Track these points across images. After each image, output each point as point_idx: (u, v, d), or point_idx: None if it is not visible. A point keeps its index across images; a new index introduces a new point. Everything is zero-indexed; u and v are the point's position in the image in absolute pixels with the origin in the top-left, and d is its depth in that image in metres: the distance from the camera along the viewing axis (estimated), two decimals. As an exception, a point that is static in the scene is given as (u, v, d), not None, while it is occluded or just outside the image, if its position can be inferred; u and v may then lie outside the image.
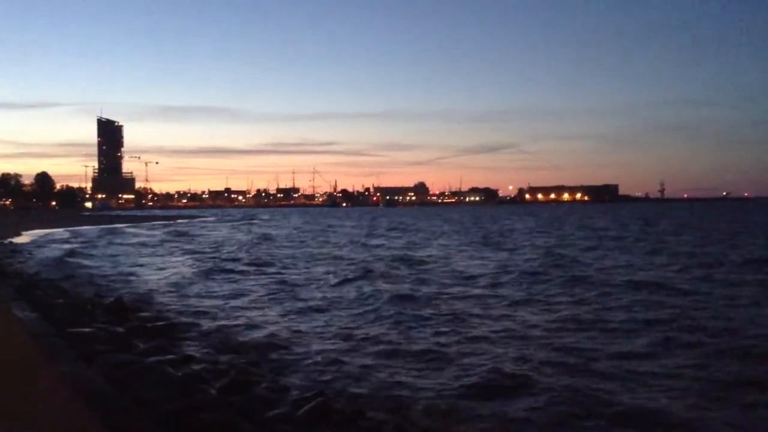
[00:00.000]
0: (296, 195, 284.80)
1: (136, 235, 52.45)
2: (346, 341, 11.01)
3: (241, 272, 22.41)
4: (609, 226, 56.97)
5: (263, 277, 21.05)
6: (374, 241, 40.48)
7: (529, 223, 68.47)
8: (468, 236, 44.82)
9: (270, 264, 25.31)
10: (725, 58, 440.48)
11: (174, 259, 28.83)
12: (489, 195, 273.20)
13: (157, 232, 56.53)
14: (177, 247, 37.06)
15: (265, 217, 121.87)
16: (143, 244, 39.43)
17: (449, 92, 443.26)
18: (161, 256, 30.76)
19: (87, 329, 10.07)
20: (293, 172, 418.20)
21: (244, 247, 36.12)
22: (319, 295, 16.61)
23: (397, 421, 7.08)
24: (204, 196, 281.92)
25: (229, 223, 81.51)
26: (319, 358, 9.68)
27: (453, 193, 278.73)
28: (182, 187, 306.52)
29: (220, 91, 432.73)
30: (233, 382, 7.86)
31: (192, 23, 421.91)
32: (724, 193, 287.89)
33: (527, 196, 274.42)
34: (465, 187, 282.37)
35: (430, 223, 75.86)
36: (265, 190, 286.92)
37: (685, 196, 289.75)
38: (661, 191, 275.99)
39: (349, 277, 20.15)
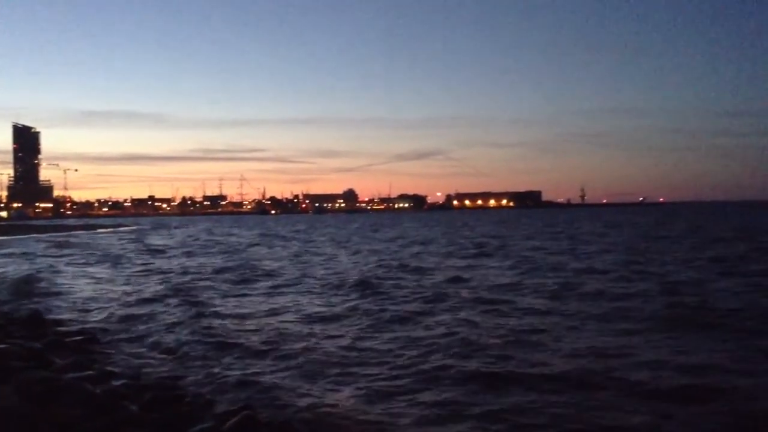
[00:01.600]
0: (224, 203, 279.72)
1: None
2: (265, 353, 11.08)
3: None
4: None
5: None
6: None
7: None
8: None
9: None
10: (643, 69, 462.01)
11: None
12: (418, 201, 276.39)
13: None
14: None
15: (175, 224, 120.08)
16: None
17: (379, 99, 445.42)
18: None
19: (1, 345, 9.73)
20: (220, 179, 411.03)
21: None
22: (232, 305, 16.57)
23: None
24: (126, 204, 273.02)
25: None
26: (238, 372, 9.68)
27: (382, 200, 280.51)
28: (104, 195, 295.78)
29: (143, 96, 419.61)
30: (155, 398, 7.74)
31: (113, 25, 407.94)
32: (641, 198, 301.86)
33: (455, 202, 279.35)
34: (394, 194, 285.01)
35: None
36: (191, 198, 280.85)
37: (605, 201, 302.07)
38: (582, 197, 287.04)
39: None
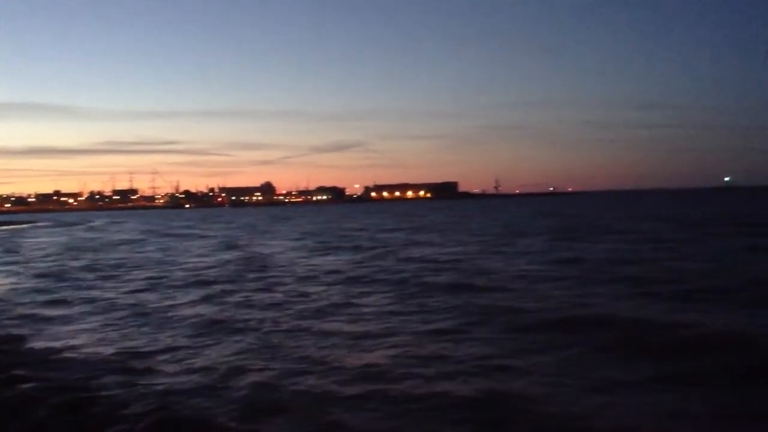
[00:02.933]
0: (134, 197, 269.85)
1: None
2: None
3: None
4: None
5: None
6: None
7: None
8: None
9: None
10: (556, 63, 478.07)
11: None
12: (336, 193, 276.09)
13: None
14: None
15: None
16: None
17: (296, 91, 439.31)
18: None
19: None
20: (131, 173, 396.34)
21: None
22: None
23: (249, 427, 7.41)
24: (30, 199, 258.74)
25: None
26: (152, 372, 9.77)
27: (300, 192, 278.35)
28: (5, 190, 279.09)
29: (48, 86, 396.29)
30: (68, 400, 7.72)
31: (15, 11, 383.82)
32: (551, 189, 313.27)
33: (373, 194, 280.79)
34: (313, 186, 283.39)
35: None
36: (99, 193, 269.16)
37: (517, 191, 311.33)
38: (497, 188, 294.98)
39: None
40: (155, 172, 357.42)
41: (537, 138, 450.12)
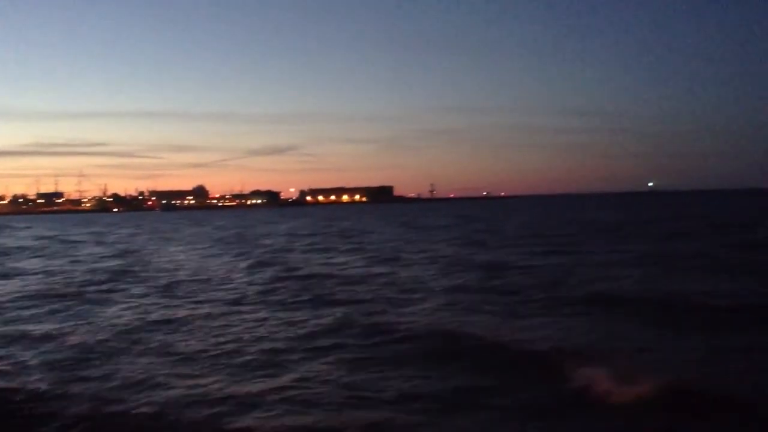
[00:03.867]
0: (60, 200, 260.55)
1: None
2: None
3: None
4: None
5: None
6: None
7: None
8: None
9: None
10: (489, 69, 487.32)
11: None
12: (272, 197, 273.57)
13: None
14: None
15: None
16: None
17: (231, 94, 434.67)
18: None
19: None
20: (57, 176, 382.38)
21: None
22: None
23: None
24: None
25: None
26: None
27: (235, 196, 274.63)
28: None
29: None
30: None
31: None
32: (485, 193, 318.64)
33: (309, 198, 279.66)
34: (247, 190, 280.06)
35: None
36: (23, 196, 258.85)
37: (452, 195, 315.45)
38: (432, 192, 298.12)
39: None
40: (82, 175, 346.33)
41: (471, 142, 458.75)
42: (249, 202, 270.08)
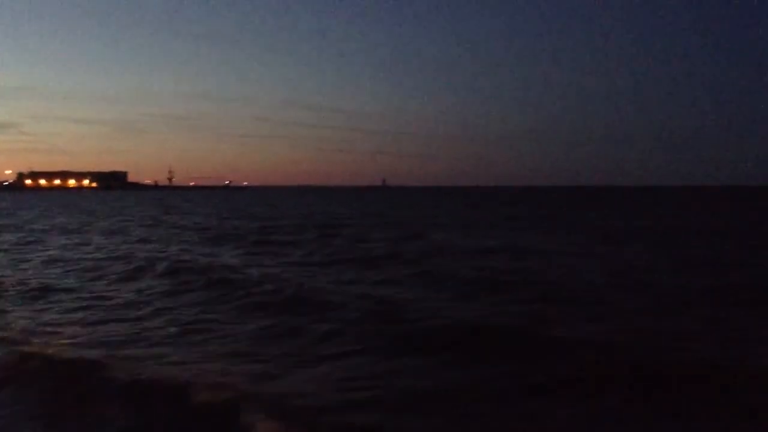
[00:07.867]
0: None
1: None
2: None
3: None
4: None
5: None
6: None
7: None
8: None
9: None
10: (237, 58, 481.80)
11: None
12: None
13: None
14: None
15: None
16: None
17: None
18: None
19: None
20: None
21: None
22: None
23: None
24: None
25: None
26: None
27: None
28: None
29: None
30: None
31: None
32: (227, 182, 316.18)
33: (28, 181, 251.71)
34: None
35: None
36: None
37: (192, 183, 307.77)
38: (170, 179, 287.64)
39: None
40: None
41: (211, 130, 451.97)
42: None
